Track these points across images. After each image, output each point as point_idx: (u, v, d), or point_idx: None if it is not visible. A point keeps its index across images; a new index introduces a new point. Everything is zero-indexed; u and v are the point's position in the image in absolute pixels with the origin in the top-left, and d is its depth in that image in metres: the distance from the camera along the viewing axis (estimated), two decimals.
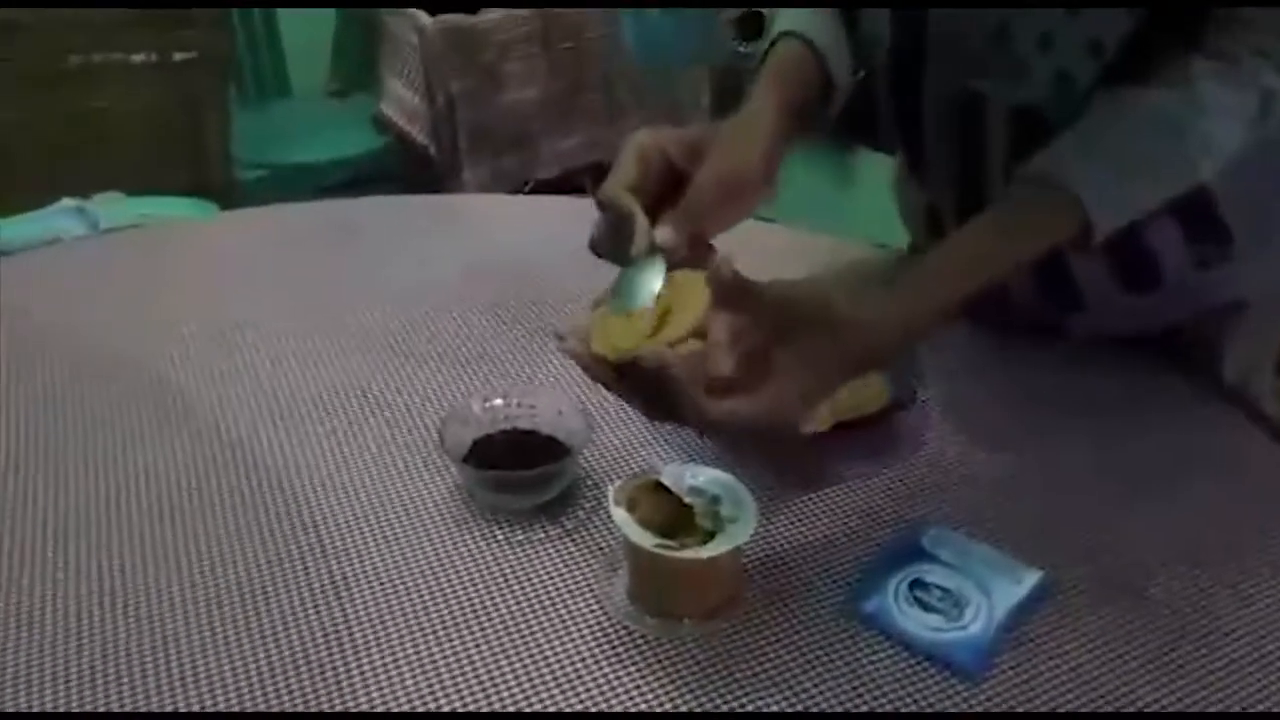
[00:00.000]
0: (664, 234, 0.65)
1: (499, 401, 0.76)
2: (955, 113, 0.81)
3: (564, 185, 2.31)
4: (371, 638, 0.63)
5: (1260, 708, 0.58)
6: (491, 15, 2.20)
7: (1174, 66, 0.66)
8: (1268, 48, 0.65)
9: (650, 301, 0.62)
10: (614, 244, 0.65)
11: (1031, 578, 0.66)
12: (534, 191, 2.26)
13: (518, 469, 0.71)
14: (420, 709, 0.59)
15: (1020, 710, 0.58)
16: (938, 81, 0.82)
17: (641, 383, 0.59)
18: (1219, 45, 0.65)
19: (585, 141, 2.36)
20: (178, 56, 1.84)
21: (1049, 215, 0.64)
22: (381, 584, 0.67)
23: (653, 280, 0.63)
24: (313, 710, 0.59)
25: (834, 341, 0.58)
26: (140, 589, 0.67)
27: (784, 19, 0.77)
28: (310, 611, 0.65)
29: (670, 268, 0.64)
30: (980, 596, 0.64)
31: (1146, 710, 0.58)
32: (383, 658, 0.62)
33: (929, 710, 0.58)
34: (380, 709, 0.59)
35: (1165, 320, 0.85)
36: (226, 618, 0.65)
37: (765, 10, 2.14)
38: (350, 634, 0.63)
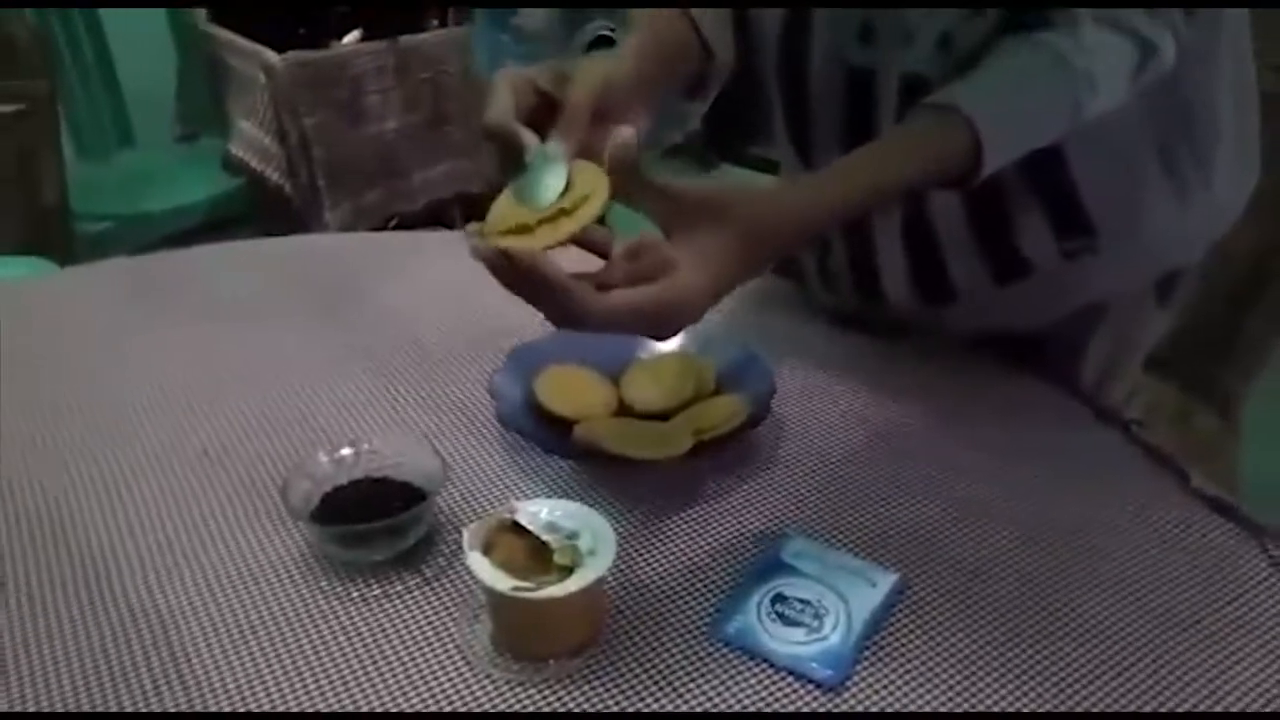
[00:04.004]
0: (554, 145, 0.64)
1: (347, 451, 0.74)
2: (843, 89, 0.82)
3: (431, 219, 2.27)
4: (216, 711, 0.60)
5: (1114, 693, 0.60)
6: (343, 49, 2.15)
7: (1059, 14, 0.69)
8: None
9: (554, 197, 0.61)
10: (509, 168, 0.64)
11: (887, 581, 0.67)
12: (399, 227, 2.22)
13: (373, 520, 0.68)
14: None
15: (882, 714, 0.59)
16: (825, 55, 0.82)
17: (529, 285, 0.58)
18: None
19: (450, 172, 2.32)
20: (3, 108, 1.76)
21: (942, 133, 0.66)
22: (228, 657, 0.64)
23: (554, 176, 0.62)
24: None
25: (733, 237, 0.59)
26: None
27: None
28: (151, 694, 0.61)
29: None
30: (839, 604, 0.65)
31: (997, 708, 0.60)
32: None
33: None
34: None
35: (1035, 316, 0.88)
36: (56, 702, 0.60)
37: (617, 36, 2.15)
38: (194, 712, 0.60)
